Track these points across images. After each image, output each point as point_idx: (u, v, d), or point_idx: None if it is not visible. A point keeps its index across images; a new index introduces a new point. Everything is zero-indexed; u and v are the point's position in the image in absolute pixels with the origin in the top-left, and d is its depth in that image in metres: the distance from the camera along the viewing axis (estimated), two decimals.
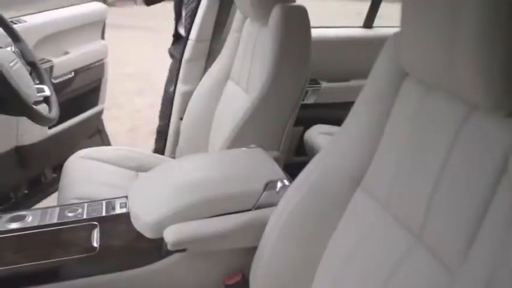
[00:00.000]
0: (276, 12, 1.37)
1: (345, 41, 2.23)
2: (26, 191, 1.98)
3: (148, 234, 1.09)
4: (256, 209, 1.13)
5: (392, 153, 0.85)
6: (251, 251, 1.05)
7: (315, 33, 2.18)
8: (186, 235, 1.07)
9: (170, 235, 1.05)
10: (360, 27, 2.34)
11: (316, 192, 0.95)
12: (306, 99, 2.19)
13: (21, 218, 1.20)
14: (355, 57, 2.03)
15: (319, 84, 2.20)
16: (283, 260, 0.99)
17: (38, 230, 1.16)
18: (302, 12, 1.39)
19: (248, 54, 1.63)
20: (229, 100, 1.71)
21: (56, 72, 2.18)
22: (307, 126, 2.00)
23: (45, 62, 2.16)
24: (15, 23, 2.11)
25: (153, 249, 1.09)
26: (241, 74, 1.67)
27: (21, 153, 1.85)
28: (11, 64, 1.39)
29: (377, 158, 0.89)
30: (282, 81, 1.41)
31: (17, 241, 1.14)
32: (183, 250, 1.10)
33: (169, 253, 1.10)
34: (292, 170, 1.15)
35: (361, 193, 0.90)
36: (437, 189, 0.72)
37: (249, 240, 1.08)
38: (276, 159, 1.40)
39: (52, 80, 2.16)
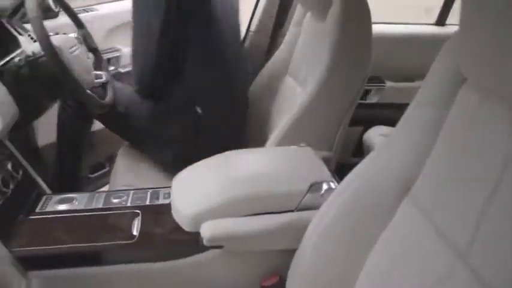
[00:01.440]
0: (335, 6, 1.30)
1: (414, 39, 2.12)
2: (89, 175, 2.04)
3: (186, 227, 1.08)
4: (298, 210, 1.08)
5: (443, 163, 0.77)
6: (290, 253, 1.01)
7: (382, 29, 2.11)
8: (223, 232, 1.04)
9: (206, 230, 1.03)
10: (432, 24, 2.22)
11: (360, 198, 0.89)
12: (368, 98, 2.10)
13: (69, 200, 1.23)
14: (424, 56, 1.90)
15: (383, 83, 2.10)
16: (321, 268, 0.93)
17: (82, 214, 1.19)
18: (363, 6, 1.31)
19: (306, 49, 1.58)
20: (285, 95, 1.67)
21: (124, 61, 2.23)
22: (368, 127, 1.91)
23: (114, 51, 2.22)
24: (87, 11, 2.18)
25: (190, 243, 1.08)
26: (298, 69, 1.62)
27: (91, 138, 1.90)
28: (71, 50, 1.42)
29: (428, 167, 0.81)
30: (338, 78, 1.35)
31: (63, 222, 1.16)
32: (220, 247, 1.08)
33: (205, 248, 1.08)
34: (348, 171, 1.09)
35: (408, 203, 0.83)
36: (488, 208, 0.64)
37: (289, 242, 1.03)
38: (327, 160, 1.34)
39: (120, 69, 2.22)
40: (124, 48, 2.24)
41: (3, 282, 1.05)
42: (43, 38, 1.23)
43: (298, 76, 1.60)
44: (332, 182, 1.10)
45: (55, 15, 1.81)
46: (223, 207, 1.06)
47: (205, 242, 1.04)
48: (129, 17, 2.25)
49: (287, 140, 1.37)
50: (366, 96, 2.10)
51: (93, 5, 2.25)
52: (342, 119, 1.41)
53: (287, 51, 1.71)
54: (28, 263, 1.08)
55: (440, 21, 2.17)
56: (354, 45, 1.33)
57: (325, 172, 1.14)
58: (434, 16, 2.22)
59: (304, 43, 1.63)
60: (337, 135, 1.43)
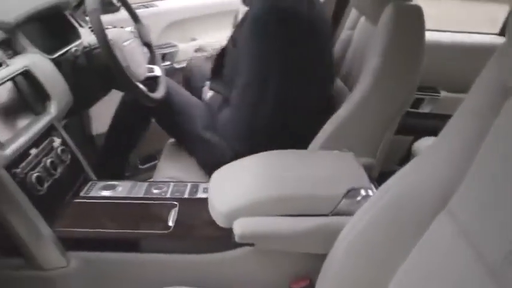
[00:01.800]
0: (387, 11, 1.27)
1: (474, 48, 2.03)
2: (140, 166, 2.10)
3: (219, 222, 1.09)
4: (333, 215, 1.07)
5: (485, 175, 0.74)
6: (321, 258, 0.99)
7: (440, 37, 2.04)
8: (254, 229, 1.04)
9: (239, 227, 1.04)
10: (495, 34, 2.12)
11: (395, 208, 0.86)
12: (420, 108, 2.04)
13: (112, 187, 1.28)
14: (483, 66, 1.83)
15: (438, 93, 2.03)
16: (351, 275, 0.92)
17: (123, 201, 1.23)
18: (416, 12, 1.27)
19: (358, 53, 1.56)
20: (334, 98, 1.65)
21: (180, 57, 2.28)
22: (418, 137, 1.86)
23: (170, 47, 2.27)
24: (147, 7, 2.25)
25: (223, 238, 1.09)
26: (349, 73, 1.60)
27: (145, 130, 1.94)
28: (125, 43, 1.47)
29: (468, 179, 0.78)
30: (387, 85, 1.31)
31: (104, 207, 1.21)
32: (251, 245, 1.08)
33: (237, 245, 1.09)
34: None
35: (445, 215, 0.80)
36: None
37: (320, 246, 1.02)
38: (369, 167, 1.32)
39: (174, 64, 2.27)
40: (180, 44, 2.29)
41: (44, 260, 1.10)
42: (98, 30, 1.28)
43: (348, 79, 1.58)
44: (370, 189, 1.09)
45: (116, 9, 1.88)
46: (257, 205, 1.06)
47: (236, 238, 1.05)
48: (187, 14, 2.32)
49: (330, 143, 1.36)
50: (418, 106, 2.04)
51: (153, 1, 2.32)
52: (387, 126, 1.38)
53: (339, 54, 1.70)
54: (68, 244, 1.13)
55: (504, 31, 2.08)
56: (405, 52, 1.30)
57: (364, 179, 1.12)
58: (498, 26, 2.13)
59: (356, 47, 1.61)
60: (381, 142, 1.39)
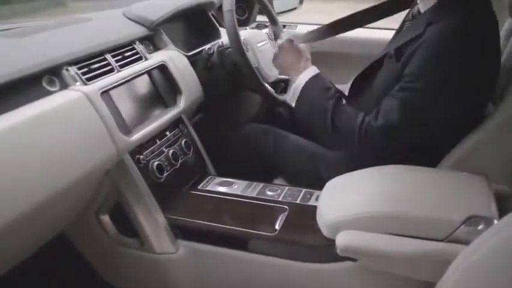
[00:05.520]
0: None
1: None
2: None
3: (324, 231, 1.05)
4: (448, 241, 0.96)
5: None
6: (427, 286, 0.90)
7: None
8: (359, 244, 0.98)
9: (342, 239, 0.99)
10: None
11: None
12: None
13: (228, 184, 1.31)
14: None
15: None
16: None
17: (236, 198, 1.25)
18: None
19: (509, 65, 1.39)
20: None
21: None
22: None
23: None
24: (284, 26, 2.23)
25: (326, 249, 1.04)
26: (498, 87, 1.43)
27: None
28: (259, 44, 1.50)
29: None
30: None
31: (217, 202, 1.25)
32: (354, 260, 1.02)
33: (340, 258, 1.04)
34: None
35: None
36: None
37: (429, 274, 0.93)
38: (504, 196, 1.16)
39: None
40: None
41: (155, 244, 1.17)
42: (231, 29, 1.32)
43: (495, 94, 1.42)
44: (496, 219, 0.95)
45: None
46: (366, 219, 1.00)
47: (338, 251, 0.99)
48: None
49: (462, 163, 1.22)
50: None
51: (295, 23, 2.31)
52: None
53: None
54: (179, 232, 1.18)
55: None
56: None
57: (490, 207, 0.99)
58: None
59: (507, 58, 1.43)
60: None
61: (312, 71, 1.29)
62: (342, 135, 1.23)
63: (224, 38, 1.58)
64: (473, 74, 1.16)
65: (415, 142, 1.24)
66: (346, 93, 1.39)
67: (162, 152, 1.23)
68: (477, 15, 1.16)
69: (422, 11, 1.25)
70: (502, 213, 1.00)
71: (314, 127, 1.29)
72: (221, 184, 1.32)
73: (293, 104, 1.29)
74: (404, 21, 1.40)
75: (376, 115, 1.19)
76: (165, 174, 1.21)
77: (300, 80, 1.28)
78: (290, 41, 1.34)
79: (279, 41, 1.37)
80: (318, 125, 1.26)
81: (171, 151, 1.25)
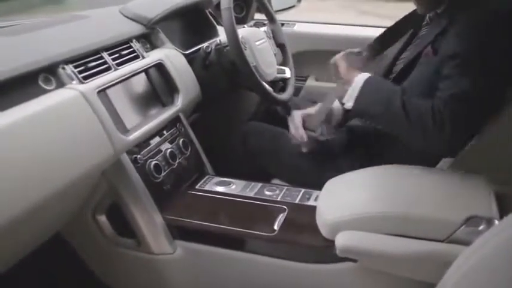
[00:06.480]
0: None
1: None
2: None
3: (323, 232, 1.04)
4: (448, 242, 0.95)
5: None
6: (427, 286, 0.90)
7: None
8: (359, 245, 0.98)
9: (341, 239, 0.98)
10: None
11: None
12: None
13: (226, 184, 1.30)
14: None
15: None
16: None
17: (234, 198, 1.24)
18: None
19: None
20: None
21: None
22: None
23: None
24: (282, 25, 2.20)
25: (325, 249, 1.04)
26: None
27: None
28: (257, 42, 1.48)
29: None
30: None
31: (215, 202, 1.24)
32: (354, 261, 1.02)
33: (339, 259, 1.03)
34: None
35: None
36: None
37: (429, 274, 0.93)
38: (504, 196, 1.15)
39: None
40: None
41: (153, 244, 1.16)
42: (229, 28, 1.30)
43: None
44: (497, 219, 0.95)
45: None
46: (365, 219, 0.99)
47: (337, 251, 0.99)
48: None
49: (462, 163, 1.21)
50: None
51: (293, 21, 2.24)
52: None
53: None
54: (176, 232, 1.17)
55: None
56: None
57: (491, 207, 0.98)
58: None
59: None
60: None
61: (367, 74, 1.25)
62: (416, 114, 1.13)
63: (222, 36, 1.57)
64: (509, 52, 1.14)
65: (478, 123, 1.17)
66: None
67: (160, 151, 1.22)
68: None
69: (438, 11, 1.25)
70: (502, 213, 0.99)
71: (381, 114, 1.22)
72: (219, 184, 1.31)
73: (350, 103, 1.23)
74: (416, 30, 1.37)
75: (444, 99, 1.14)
76: (162, 173, 1.19)
77: (360, 77, 1.23)
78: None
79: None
80: (387, 108, 1.17)
81: (168, 150, 1.24)
